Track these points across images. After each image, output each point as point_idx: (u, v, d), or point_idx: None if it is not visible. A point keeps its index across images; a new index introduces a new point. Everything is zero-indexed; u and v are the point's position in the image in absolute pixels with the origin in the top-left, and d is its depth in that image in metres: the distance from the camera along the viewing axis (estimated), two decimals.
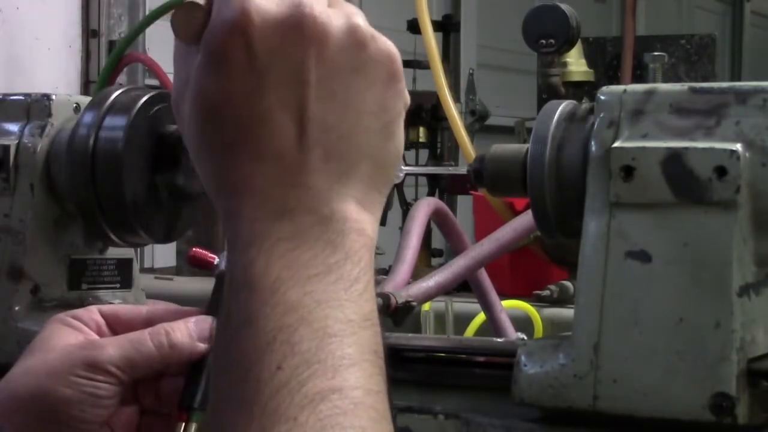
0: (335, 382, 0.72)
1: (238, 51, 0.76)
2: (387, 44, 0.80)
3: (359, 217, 0.78)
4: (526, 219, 1.68)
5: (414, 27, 2.96)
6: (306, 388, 0.72)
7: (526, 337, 1.76)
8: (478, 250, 1.69)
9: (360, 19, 0.79)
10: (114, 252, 1.39)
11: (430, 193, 3.21)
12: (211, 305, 1.02)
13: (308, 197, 0.76)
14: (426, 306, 2.29)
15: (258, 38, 0.76)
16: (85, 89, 3.32)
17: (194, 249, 1.05)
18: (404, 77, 0.82)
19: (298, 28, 0.76)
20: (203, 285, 0.95)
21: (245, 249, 0.76)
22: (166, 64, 3.23)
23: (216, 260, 1.06)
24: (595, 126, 1.15)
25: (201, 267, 1.05)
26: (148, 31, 3.20)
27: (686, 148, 1.10)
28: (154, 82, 3.13)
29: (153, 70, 3.09)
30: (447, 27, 3.57)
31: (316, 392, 0.72)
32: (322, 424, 0.71)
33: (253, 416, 0.71)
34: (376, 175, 0.80)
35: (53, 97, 1.39)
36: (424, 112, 3.19)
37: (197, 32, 0.78)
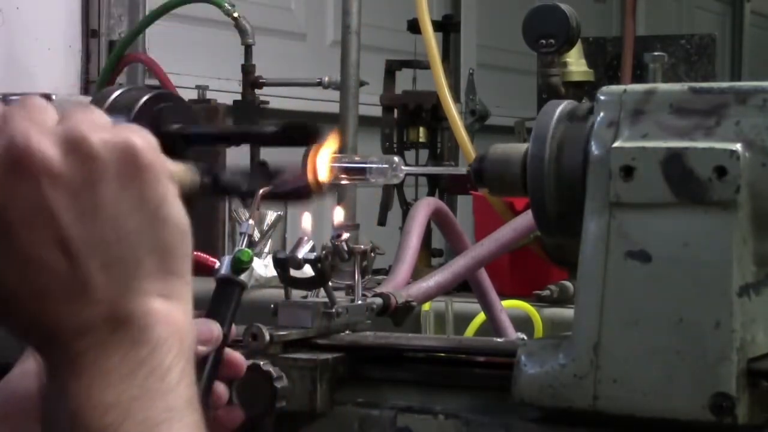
0: None
1: None
2: (119, 142, 0.78)
3: (162, 307, 0.78)
4: (526, 219, 1.68)
5: (414, 27, 2.96)
6: None
7: (526, 337, 1.76)
8: (478, 250, 1.69)
9: (84, 128, 0.77)
10: None
11: (430, 193, 3.21)
12: (211, 308, 1.03)
13: (101, 311, 0.77)
14: (426, 306, 2.29)
15: None
16: (85, 89, 3.32)
17: (194, 253, 1.05)
18: (159, 157, 0.79)
19: (20, 168, 0.75)
20: (203, 285, 0.95)
21: (56, 371, 0.77)
22: (166, 64, 3.23)
23: (216, 264, 1.06)
24: (595, 126, 1.15)
25: (201, 270, 1.05)
26: (148, 31, 3.21)
27: (686, 148, 1.10)
28: (154, 82, 3.13)
29: (153, 70, 3.10)
30: (447, 27, 3.56)
31: None
32: None
33: None
34: (168, 263, 0.79)
35: (53, 97, 1.38)
36: (424, 112, 3.19)
37: None
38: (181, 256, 0.80)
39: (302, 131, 1.05)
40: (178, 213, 0.80)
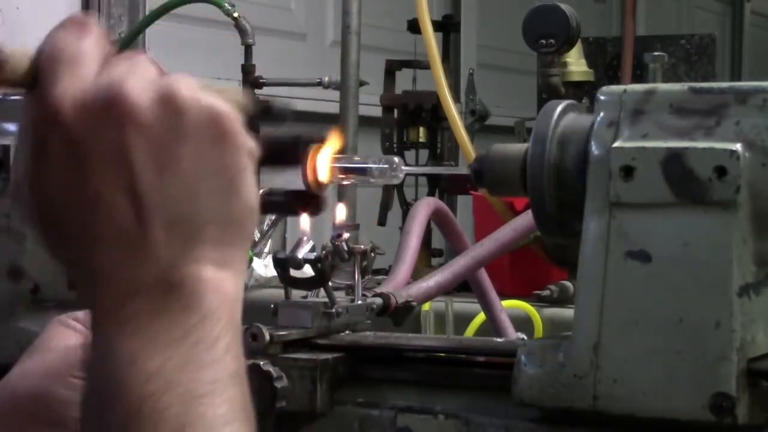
0: None
1: (55, 143, 0.75)
2: (210, 105, 0.78)
3: (215, 276, 0.77)
4: (526, 219, 1.68)
5: (414, 27, 2.96)
6: None
7: (526, 337, 1.76)
8: (478, 250, 1.69)
9: (180, 85, 0.77)
10: None
11: (430, 193, 3.21)
12: None
13: (156, 270, 0.76)
14: (426, 306, 2.29)
15: (72, 126, 0.75)
16: None
17: None
18: (242, 130, 0.80)
19: (110, 110, 0.75)
20: None
21: (101, 328, 0.76)
22: (166, 64, 3.23)
23: None
24: (595, 126, 1.15)
25: None
26: (148, 31, 3.21)
27: (686, 148, 1.10)
28: None
29: None
30: (447, 27, 3.57)
31: None
32: None
33: None
34: (227, 233, 0.79)
35: None
36: (424, 112, 3.19)
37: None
38: (243, 231, 0.80)
39: (297, 147, 1.04)
40: (250, 190, 0.80)
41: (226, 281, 0.78)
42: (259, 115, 0.91)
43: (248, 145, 0.80)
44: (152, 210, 0.75)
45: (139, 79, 0.77)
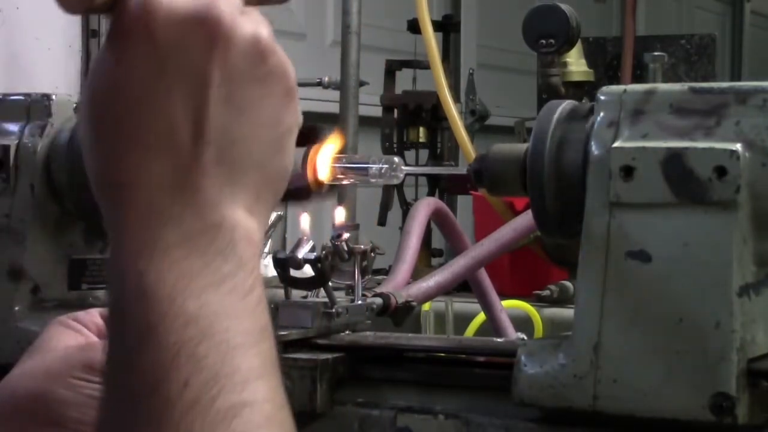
0: (246, 396, 0.71)
1: (141, 38, 0.74)
2: (286, 60, 0.80)
3: (248, 224, 0.77)
4: (526, 219, 1.68)
5: (414, 27, 2.96)
6: (217, 404, 0.70)
7: (526, 337, 1.76)
8: (478, 250, 1.69)
9: (265, 30, 0.78)
10: None
11: (430, 193, 3.21)
12: None
13: (197, 201, 0.75)
14: (426, 306, 2.29)
15: (162, 28, 0.74)
16: None
17: None
18: (297, 99, 0.81)
19: (204, 27, 0.75)
20: None
21: (135, 256, 0.74)
22: None
23: None
24: (595, 126, 1.15)
25: None
26: None
27: (686, 148, 1.10)
28: None
29: None
30: (447, 27, 3.57)
31: (228, 408, 0.70)
32: None
33: None
34: (264, 186, 0.79)
35: (53, 97, 1.39)
36: (424, 112, 3.19)
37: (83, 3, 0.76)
38: (275, 189, 0.80)
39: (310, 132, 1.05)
40: (291, 152, 0.81)
41: (255, 232, 0.77)
42: None
43: (299, 113, 0.81)
44: (209, 137, 0.75)
45: (234, 8, 0.77)
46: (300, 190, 1.07)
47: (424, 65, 3.02)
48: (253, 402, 0.71)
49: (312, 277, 1.31)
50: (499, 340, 1.71)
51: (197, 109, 0.75)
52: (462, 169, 1.37)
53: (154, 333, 0.72)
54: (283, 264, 1.31)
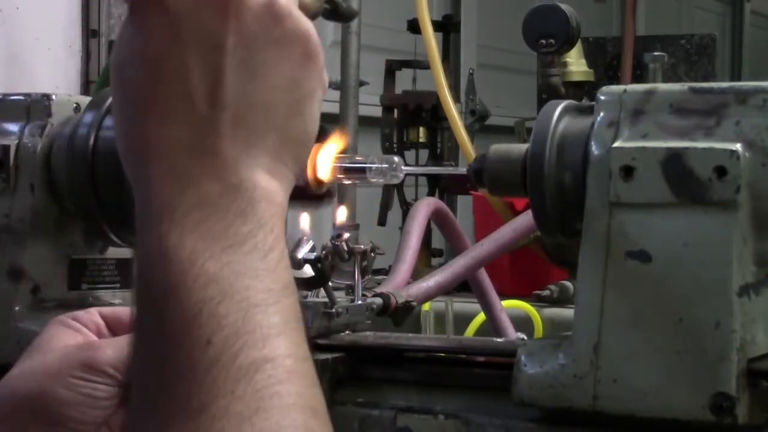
0: (267, 352, 0.73)
1: (154, 8, 0.76)
2: (305, 23, 0.81)
3: (268, 185, 0.78)
4: (526, 219, 1.68)
5: (414, 27, 2.97)
6: (239, 360, 0.72)
7: (526, 337, 1.76)
8: (478, 250, 1.69)
9: (288, 2, 0.79)
10: (114, 252, 1.39)
11: (430, 193, 3.21)
12: None
13: (215, 163, 0.76)
14: (426, 306, 2.30)
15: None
16: (85, 89, 3.32)
17: None
18: (323, 61, 0.82)
19: None
20: None
21: (156, 220, 0.75)
22: None
23: None
24: (595, 126, 1.15)
25: None
26: None
27: (686, 148, 1.10)
28: None
29: None
30: (447, 27, 3.57)
31: (250, 363, 0.72)
32: (260, 394, 0.71)
33: (191, 392, 0.71)
34: (283, 149, 0.79)
35: (53, 97, 1.39)
36: (424, 112, 3.19)
37: None
38: (297, 152, 0.80)
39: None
40: (314, 116, 0.81)
41: (276, 193, 0.78)
42: (328, 14, 0.94)
43: (324, 73, 0.81)
44: (227, 100, 0.76)
45: None
46: (300, 190, 1.07)
47: (424, 65, 3.03)
48: (274, 357, 0.73)
49: (312, 277, 1.31)
50: (499, 340, 1.71)
51: (213, 75, 0.76)
52: (462, 169, 1.37)
53: (175, 294, 0.73)
54: None
